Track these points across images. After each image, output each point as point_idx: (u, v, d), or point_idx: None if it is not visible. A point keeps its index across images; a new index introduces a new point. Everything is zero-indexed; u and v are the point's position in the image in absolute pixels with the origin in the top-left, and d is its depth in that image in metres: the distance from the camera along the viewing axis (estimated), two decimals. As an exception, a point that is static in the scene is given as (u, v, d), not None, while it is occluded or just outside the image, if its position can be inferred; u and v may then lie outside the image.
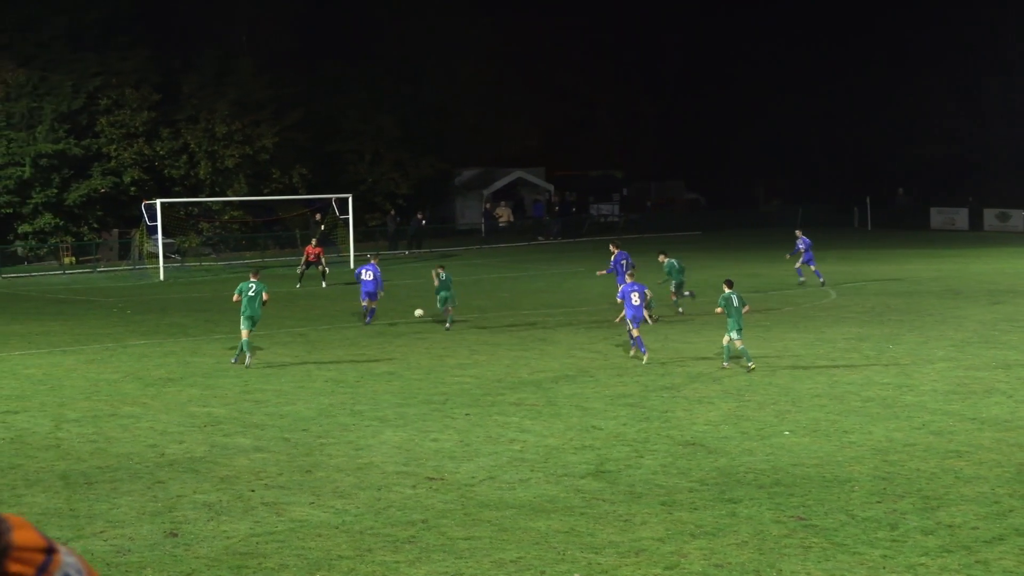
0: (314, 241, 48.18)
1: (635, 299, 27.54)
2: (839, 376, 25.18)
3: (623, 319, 28.08)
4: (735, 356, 26.34)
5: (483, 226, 72.69)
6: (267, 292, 28.43)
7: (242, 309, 28.11)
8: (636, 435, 19.87)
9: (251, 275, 29.03)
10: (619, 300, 28.72)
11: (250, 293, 28.10)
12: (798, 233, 44.03)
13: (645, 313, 28.07)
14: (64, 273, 55.50)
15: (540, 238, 72.02)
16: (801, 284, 42.86)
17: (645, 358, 27.17)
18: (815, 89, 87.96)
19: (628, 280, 29.06)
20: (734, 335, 26.01)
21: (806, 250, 42.93)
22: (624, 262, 34.66)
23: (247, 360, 27.75)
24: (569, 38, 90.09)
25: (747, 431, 20.06)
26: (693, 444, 19.16)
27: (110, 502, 16.24)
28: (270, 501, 16.15)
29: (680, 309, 35.89)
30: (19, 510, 15.67)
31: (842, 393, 23.32)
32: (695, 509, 15.54)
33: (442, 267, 34.87)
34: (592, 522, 15.06)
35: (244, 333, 28.06)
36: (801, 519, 15.07)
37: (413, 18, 77.19)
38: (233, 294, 28.91)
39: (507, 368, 26.90)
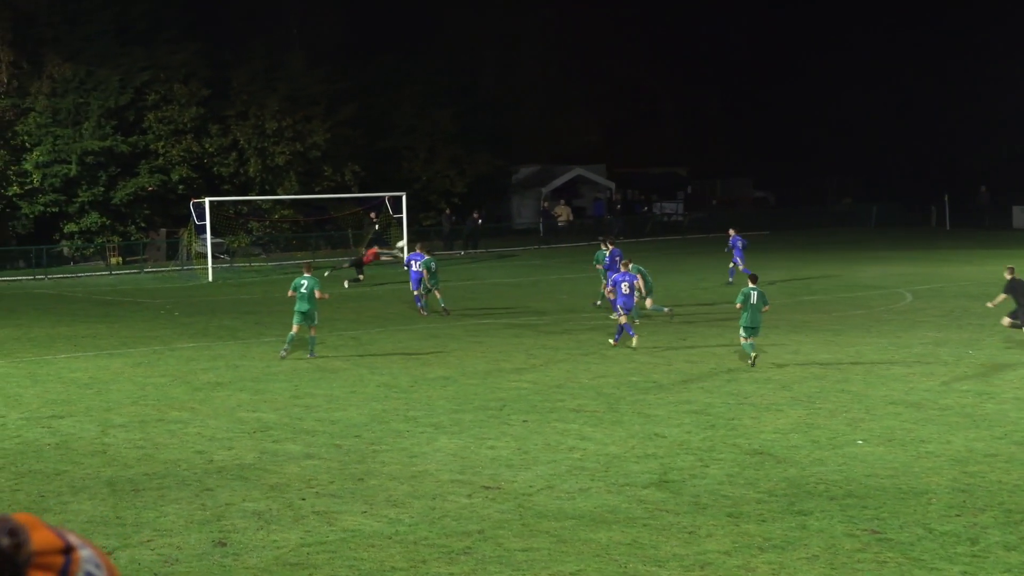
0: (376, 248, 49.21)
1: (625, 288, 30.30)
2: (915, 383, 24.95)
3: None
4: (755, 352, 27.49)
5: (541, 225, 72.70)
6: (319, 289, 29.38)
7: (296, 305, 29.25)
8: (701, 443, 19.79)
9: (304, 270, 30.27)
10: (609, 288, 31.57)
11: (303, 289, 29.15)
12: (731, 232, 45.13)
13: (648, 302, 32.99)
14: (111, 274, 56.11)
15: (601, 238, 71.86)
16: (731, 284, 43.49)
17: (634, 341, 29.87)
18: (891, 81, 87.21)
19: (622, 269, 31.66)
20: (742, 332, 27.20)
21: (738, 249, 44.57)
22: (617, 259, 36.88)
23: (283, 351, 29.28)
24: (632, 29, 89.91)
25: (818, 440, 19.92)
26: (761, 453, 19.06)
27: (157, 510, 16.39)
28: (321, 510, 16.23)
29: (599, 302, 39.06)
30: (64, 518, 15.86)
31: (919, 400, 23.10)
32: (763, 521, 15.45)
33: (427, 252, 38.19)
34: (655, 534, 15.01)
35: (295, 328, 29.27)
36: (875, 533, 14.94)
37: (470, 10, 77.35)
38: (288, 290, 30.08)
39: (567, 373, 26.89)
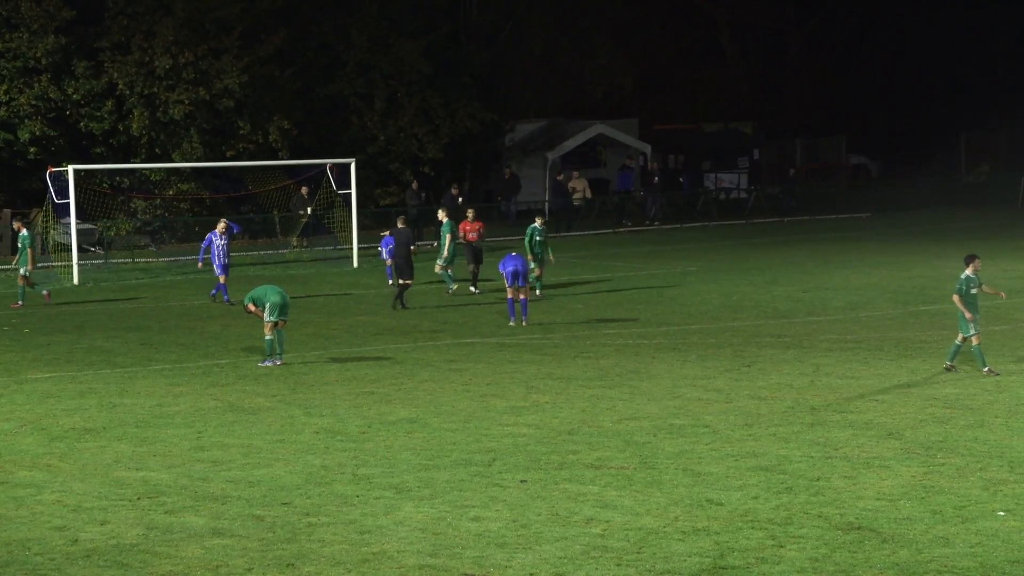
0: (470, 214, 49.42)
1: None
2: (1079, 428, 24.97)
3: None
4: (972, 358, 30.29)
5: (547, 205, 72.61)
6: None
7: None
8: (773, 514, 19.78)
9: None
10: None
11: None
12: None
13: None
14: (-66, 274, 56.07)
15: (629, 223, 71.85)
16: None
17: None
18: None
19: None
20: (971, 330, 30.04)
21: None
22: (390, 247, 41.44)
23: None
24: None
25: (941, 509, 19.90)
26: (859, 528, 19.05)
27: (-1, 608, 16.35)
28: (233, 608, 16.21)
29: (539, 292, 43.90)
30: None
31: (1084, 453, 23.11)
32: (863, 624, 15.45)
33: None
34: (709, 643, 15.00)
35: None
36: (1022, 641, 14.93)
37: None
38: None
39: (582, 413, 26.87)
